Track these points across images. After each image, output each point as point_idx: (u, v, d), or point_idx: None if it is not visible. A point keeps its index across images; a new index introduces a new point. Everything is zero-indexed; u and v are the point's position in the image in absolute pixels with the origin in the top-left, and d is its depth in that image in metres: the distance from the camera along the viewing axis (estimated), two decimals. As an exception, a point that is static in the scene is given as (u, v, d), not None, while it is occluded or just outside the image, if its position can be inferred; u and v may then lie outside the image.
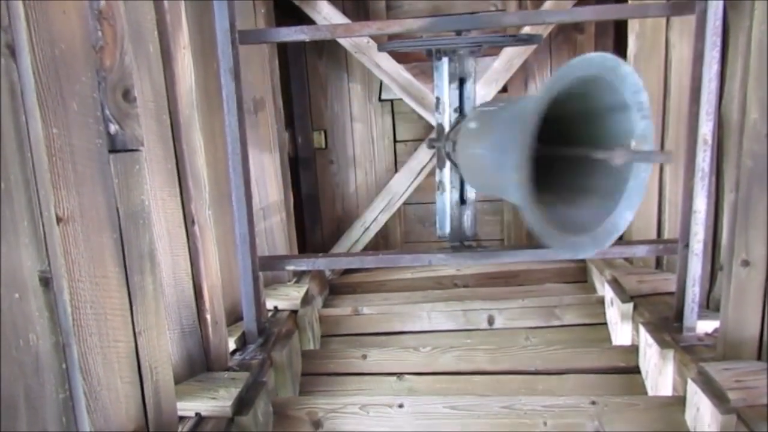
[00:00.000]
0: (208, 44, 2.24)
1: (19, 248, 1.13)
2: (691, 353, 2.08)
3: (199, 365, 2.04)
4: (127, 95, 1.50)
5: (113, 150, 1.47)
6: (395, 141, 3.80)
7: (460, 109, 2.20)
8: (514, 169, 1.38)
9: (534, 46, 3.28)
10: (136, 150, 1.54)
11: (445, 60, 2.17)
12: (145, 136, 1.60)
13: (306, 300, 2.86)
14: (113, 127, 1.47)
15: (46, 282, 1.19)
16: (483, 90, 3.24)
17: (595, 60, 1.42)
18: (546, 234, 1.47)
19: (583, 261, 3.40)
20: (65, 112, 1.33)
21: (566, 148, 1.58)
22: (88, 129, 1.40)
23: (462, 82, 2.19)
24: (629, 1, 2.89)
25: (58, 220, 1.30)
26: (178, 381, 1.87)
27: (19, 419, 1.14)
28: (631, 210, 1.53)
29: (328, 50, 3.68)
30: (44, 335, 1.19)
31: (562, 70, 1.40)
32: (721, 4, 1.98)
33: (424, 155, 3.52)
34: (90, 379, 1.42)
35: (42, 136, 1.24)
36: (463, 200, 2.29)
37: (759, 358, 1.91)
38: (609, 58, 1.43)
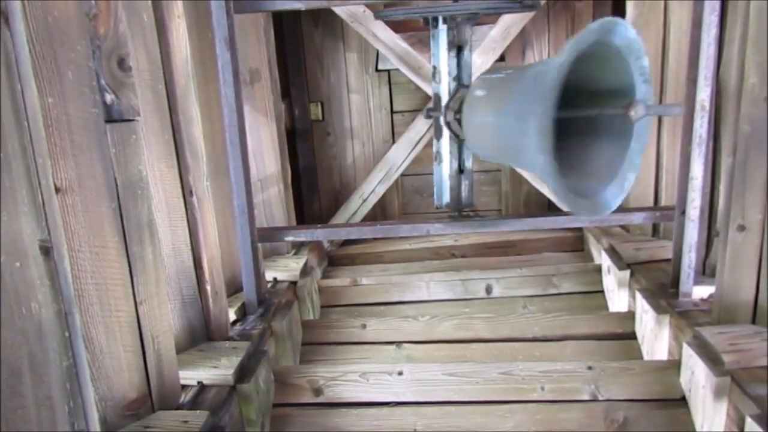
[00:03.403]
0: (203, 13, 2.21)
1: (19, 217, 1.13)
2: (686, 318, 2.10)
3: (200, 335, 2.06)
4: (122, 64, 1.49)
5: (109, 120, 1.47)
6: (392, 112, 3.78)
7: (459, 78, 2.19)
8: (537, 136, 1.41)
9: (532, 14, 3.25)
10: (133, 120, 1.54)
11: (443, 28, 2.15)
12: (141, 106, 1.60)
13: (305, 271, 2.87)
14: (109, 97, 1.47)
15: (46, 251, 1.20)
16: (480, 59, 3.21)
17: (609, 25, 1.50)
18: (568, 199, 1.58)
19: (580, 230, 3.41)
20: (60, 81, 1.33)
21: (582, 109, 1.62)
22: (84, 98, 1.40)
23: (460, 50, 2.18)
24: (628, -33, 2.85)
25: (57, 189, 1.31)
26: (179, 351, 1.89)
27: (24, 385, 1.15)
28: (634, 171, 1.63)
29: (324, 20, 3.64)
30: (46, 303, 1.20)
31: (581, 35, 1.46)
32: (720, -33, 1.97)
33: (421, 126, 3.51)
34: (93, 348, 1.44)
35: (38, 106, 1.23)
36: (461, 169, 2.29)
37: (753, 321, 1.93)
38: (621, 22, 1.52)
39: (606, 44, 1.53)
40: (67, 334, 1.26)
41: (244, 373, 1.95)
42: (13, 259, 1.12)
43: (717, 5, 1.99)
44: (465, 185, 2.30)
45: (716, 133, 2.30)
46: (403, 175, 3.73)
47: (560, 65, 1.41)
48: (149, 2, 1.75)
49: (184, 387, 1.84)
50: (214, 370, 1.90)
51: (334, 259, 3.57)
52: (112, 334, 1.50)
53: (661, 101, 2.68)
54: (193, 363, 1.93)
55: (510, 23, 3.26)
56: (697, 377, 1.88)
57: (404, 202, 3.95)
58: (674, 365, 2.05)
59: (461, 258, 3.48)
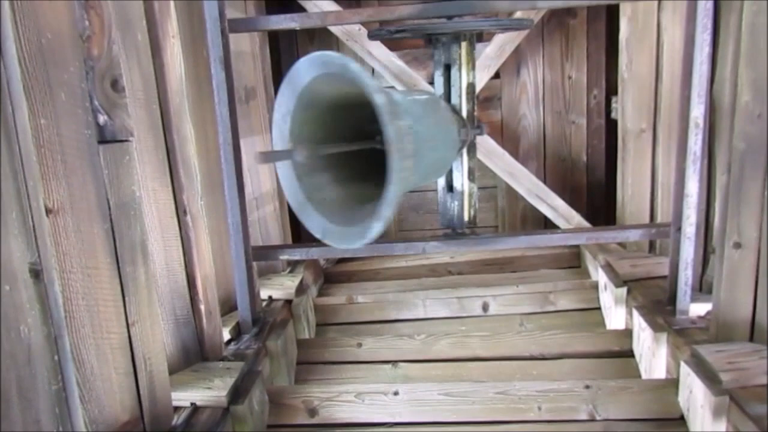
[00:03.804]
0: (198, 32, 2.22)
1: (9, 239, 1.12)
2: (684, 336, 2.09)
3: (194, 355, 2.04)
4: (115, 85, 1.49)
5: (102, 141, 1.47)
6: (388, 129, 3.78)
7: (447, 97, 2.20)
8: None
9: (526, 32, 3.27)
10: (126, 140, 1.53)
11: (438, 47, 2.16)
12: (135, 126, 1.60)
13: (300, 289, 2.86)
14: (102, 118, 1.46)
15: (36, 273, 1.18)
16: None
17: (326, 58, 1.46)
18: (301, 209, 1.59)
19: (577, 246, 3.40)
20: (53, 102, 1.32)
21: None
22: (77, 119, 1.39)
23: (448, 68, 2.18)
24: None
25: (48, 211, 1.29)
26: (172, 371, 1.87)
27: (12, 410, 1.13)
28: (379, 221, 1.46)
29: (320, 37, 3.66)
30: (36, 327, 1.19)
31: (291, 75, 1.55)
32: (712, -15, 1.98)
33: (417, 143, 3.51)
34: (83, 370, 1.42)
35: (29, 127, 1.23)
36: (450, 188, 2.29)
37: (751, 339, 1.92)
38: (335, 56, 1.44)
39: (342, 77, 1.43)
40: (56, 357, 1.25)
41: (238, 394, 1.93)
42: (2, 282, 1.10)
43: (709, 23, 2.00)
44: (456, 204, 2.30)
45: (710, 151, 2.30)
46: (399, 191, 3.72)
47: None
48: (144, 22, 1.75)
49: (177, 408, 1.82)
50: (207, 391, 1.88)
51: (330, 276, 3.55)
52: (103, 356, 1.48)
53: (655, 119, 2.69)
54: (186, 384, 1.91)
55: (505, 41, 3.28)
56: (695, 396, 1.87)
57: (400, 219, 3.94)
58: (672, 384, 2.04)
59: (457, 275, 3.46)
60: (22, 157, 1.18)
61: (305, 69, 1.55)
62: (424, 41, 2.22)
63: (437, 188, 2.36)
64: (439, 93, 2.20)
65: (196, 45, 2.24)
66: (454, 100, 2.19)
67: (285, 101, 1.61)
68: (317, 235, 1.66)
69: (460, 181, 2.27)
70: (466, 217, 2.30)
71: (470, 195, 2.30)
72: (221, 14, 2.12)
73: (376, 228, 1.48)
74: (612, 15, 3.29)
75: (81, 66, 1.40)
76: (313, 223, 1.64)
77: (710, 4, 1.98)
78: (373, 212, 1.49)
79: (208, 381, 1.92)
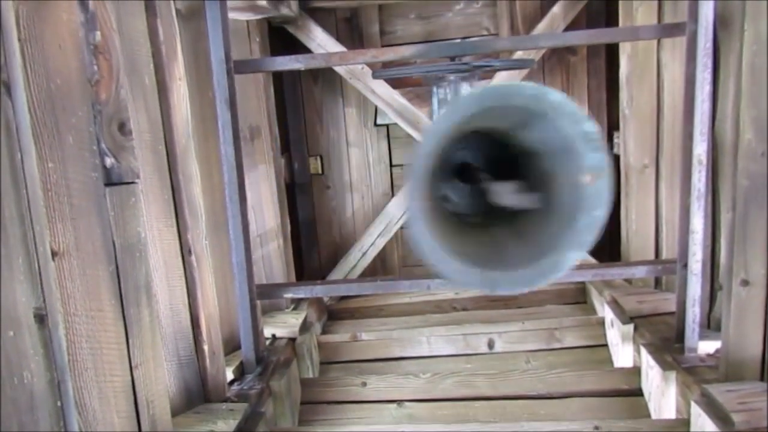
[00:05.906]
0: (204, 72, 2.25)
1: (14, 285, 1.12)
2: (693, 375, 2.06)
3: (197, 396, 2.02)
4: (122, 128, 1.50)
5: (109, 183, 1.47)
6: (391, 165, 3.81)
7: (454, 134, 2.21)
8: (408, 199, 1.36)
9: (527, 70, 3.31)
10: (132, 183, 1.53)
11: (441, 85, 2.18)
12: (141, 167, 1.60)
13: (304, 327, 2.84)
14: (109, 161, 1.47)
15: (41, 319, 1.18)
16: (478, 113, 3.25)
17: (506, 90, 1.33)
18: (443, 266, 1.40)
19: (582, 282, 3.38)
20: (61, 146, 1.33)
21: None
22: (84, 163, 1.40)
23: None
24: (620, 24, 2.92)
25: (54, 254, 1.29)
26: (175, 413, 1.85)
27: (14, 459, 1.12)
28: (577, 250, 1.41)
29: (324, 76, 3.71)
30: (39, 373, 1.17)
31: (454, 104, 1.33)
32: (711, 25, 2.01)
33: (420, 179, 3.52)
34: (85, 415, 1.39)
35: (37, 171, 1.23)
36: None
37: (762, 378, 1.89)
38: (528, 87, 1.32)
39: (529, 110, 1.37)
40: (59, 403, 1.23)
41: (241, 437, 1.90)
42: (6, 328, 1.10)
43: (709, 62, 2.02)
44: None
45: (714, 187, 2.31)
46: (402, 227, 3.73)
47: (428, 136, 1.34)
48: (151, 66, 1.78)
49: (179, 452, 1.79)
50: (210, 434, 1.85)
51: (334, 312, 3.52)
52: (105, 400, 1.46)
53: (657, 155, 2.70)
54: (189, 426, 1.88)
55: (506, 78, 3.32)
56: (706, 437, 1.83)
57: (404, 255, 3.93)
58: (683, 424, 2.00)
59: (462, 311, 3.43)
60: (30, 201, 1.18)
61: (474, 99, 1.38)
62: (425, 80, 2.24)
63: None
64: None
65: (202, 83, 2.27)
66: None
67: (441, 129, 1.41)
68: (484, 289, 1.52)
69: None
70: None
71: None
72: (227, 56, 2.15)
73: (573, 257, 1.41)
74: (612, 52, 3.33)
75: (89, 110, 1.42)
76: (470, 277, 1.46)
77: (710, 43, 2.01)
78: (552, 245, 1.41)
79: (211, 423, 1.89)
